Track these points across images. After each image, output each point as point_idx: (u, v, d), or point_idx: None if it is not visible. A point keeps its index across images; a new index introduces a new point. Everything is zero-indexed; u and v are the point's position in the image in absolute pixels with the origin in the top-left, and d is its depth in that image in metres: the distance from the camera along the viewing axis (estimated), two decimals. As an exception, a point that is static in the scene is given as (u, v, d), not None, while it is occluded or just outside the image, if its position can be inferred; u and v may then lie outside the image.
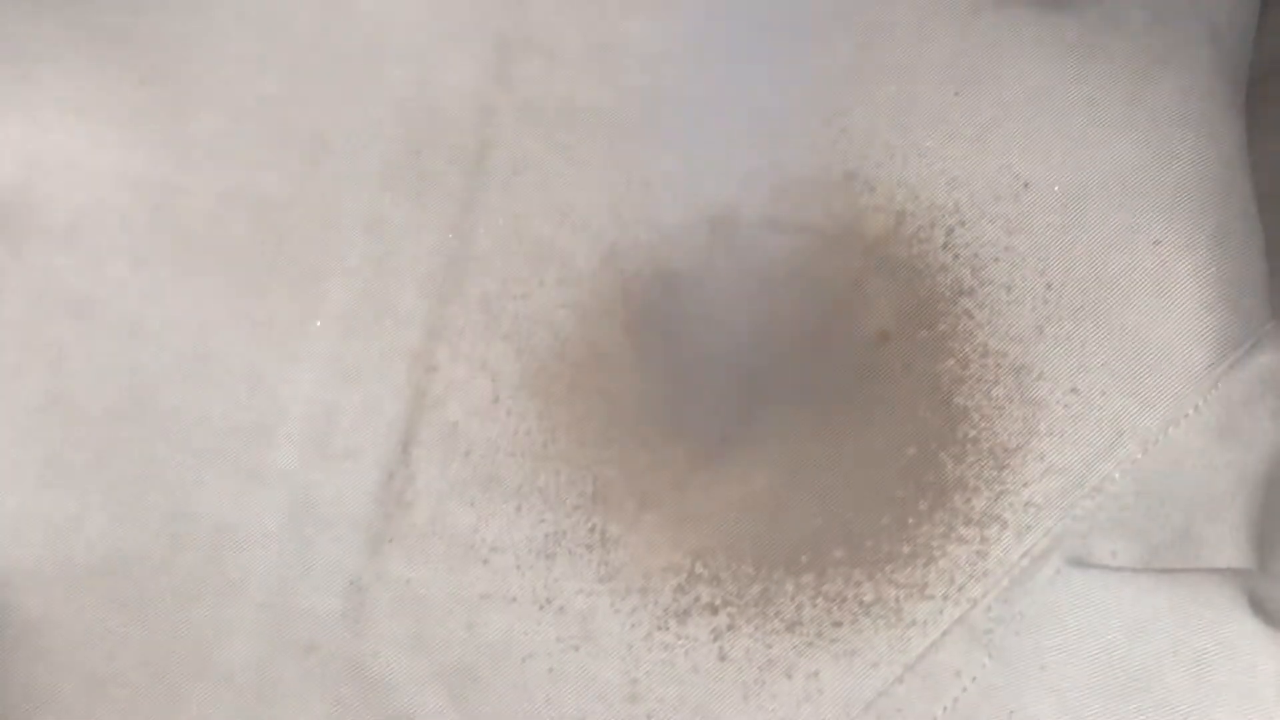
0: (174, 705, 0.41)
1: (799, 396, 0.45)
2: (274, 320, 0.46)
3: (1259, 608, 0.38)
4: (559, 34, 0.46)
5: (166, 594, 0.42)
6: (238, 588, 0.43)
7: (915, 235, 0.46)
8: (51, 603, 0.42)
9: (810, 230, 0.47)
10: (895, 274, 0.46)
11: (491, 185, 0.48)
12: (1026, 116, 0.47)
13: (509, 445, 0.45)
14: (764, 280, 0.46)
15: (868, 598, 0.41)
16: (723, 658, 0.41)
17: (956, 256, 0.46)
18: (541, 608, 0.42)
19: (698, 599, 0.42)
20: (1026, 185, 0.46)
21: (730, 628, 0.41)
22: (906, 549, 0.42)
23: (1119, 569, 0.40)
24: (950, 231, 0.46)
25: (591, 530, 0.43)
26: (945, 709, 0.39)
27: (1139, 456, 0.42)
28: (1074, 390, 0.43)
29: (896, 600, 0.41)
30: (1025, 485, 0.42)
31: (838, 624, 0.41)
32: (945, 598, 0.41)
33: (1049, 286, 0.45)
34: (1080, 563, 0.41)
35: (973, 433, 0.43)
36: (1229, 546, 0.41)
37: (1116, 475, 0.42)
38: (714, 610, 0.42)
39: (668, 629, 0.42)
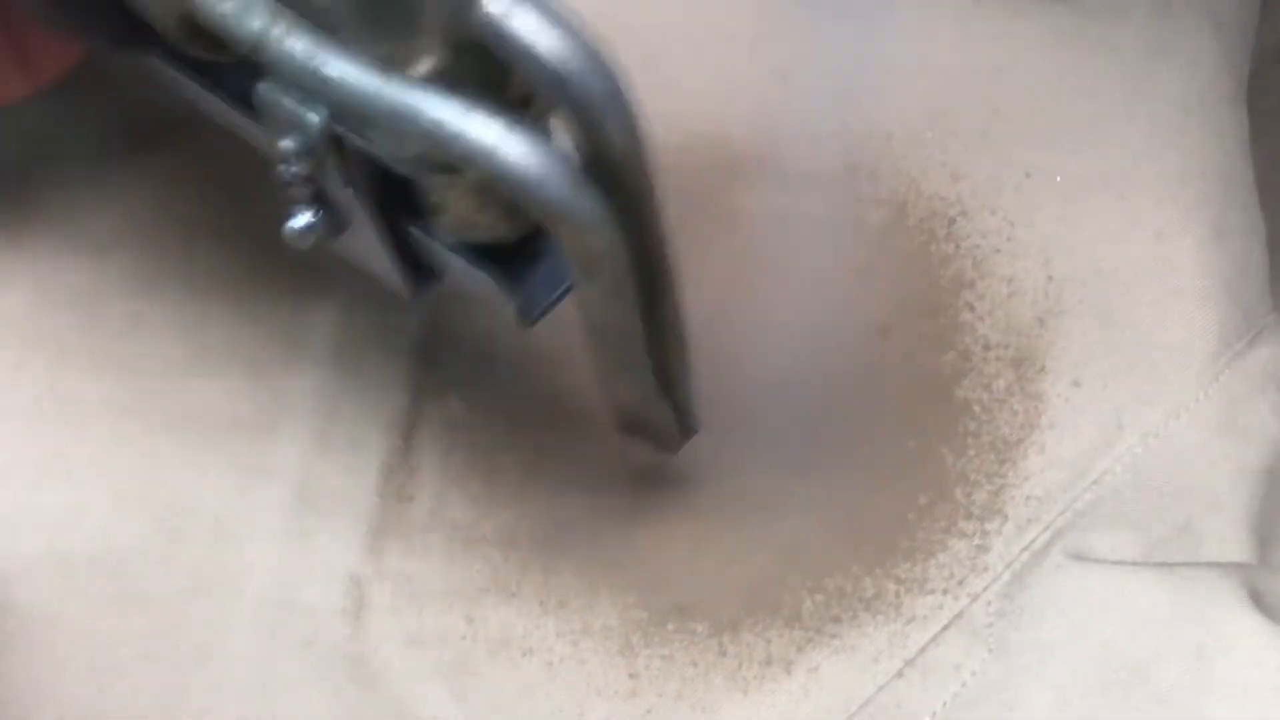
0: (174, 699, 0.41)
1: (798, 389, 0.45)
2: (275, 312, 0.46)
3: (1259, 601, 0.38)
4: None
5: (166, 588, 0.42)
6: (238, 581, 0.43)
7: (917, 227, 0.46)
8: (51, 597, 0.42)
9: (811, 222, 0.47)
10: (896, 266, 0.46)
11: None
12: (1028, 108, 0.47)
13: (510, 439, 0.45)
14: (764, 272, 0.46)
15: (867, 593, 0.41)
16: (722, 653, 0.41)
17: (958, 248, 0.46)
18: (542, 602, 0.42)
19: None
20: (1028, 176, 0.46)
21: (730, 623, 0.41)
22: (906, 543, 0.42)
23: (1119, 563, 0.40)
24: (952, 223, 0.46)
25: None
26: (945, 703, 0.39)
27: (1140, 450, 0.42)
28: (1075, 383, 0.43)
29: (896, 595, 0.41)
30: (1026, 479, 0.42)
31: (837, 619, 0.41)
32: (945, 592, 0.41)
33: (1050, 279, 0.45)
34: (1081, 556, 0.40)
35: (973, 426, 0.43)
36: (1229, 540, 0.41)
37: (1117, 468, 0.42)
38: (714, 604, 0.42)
39: (667, 624, 0.42)
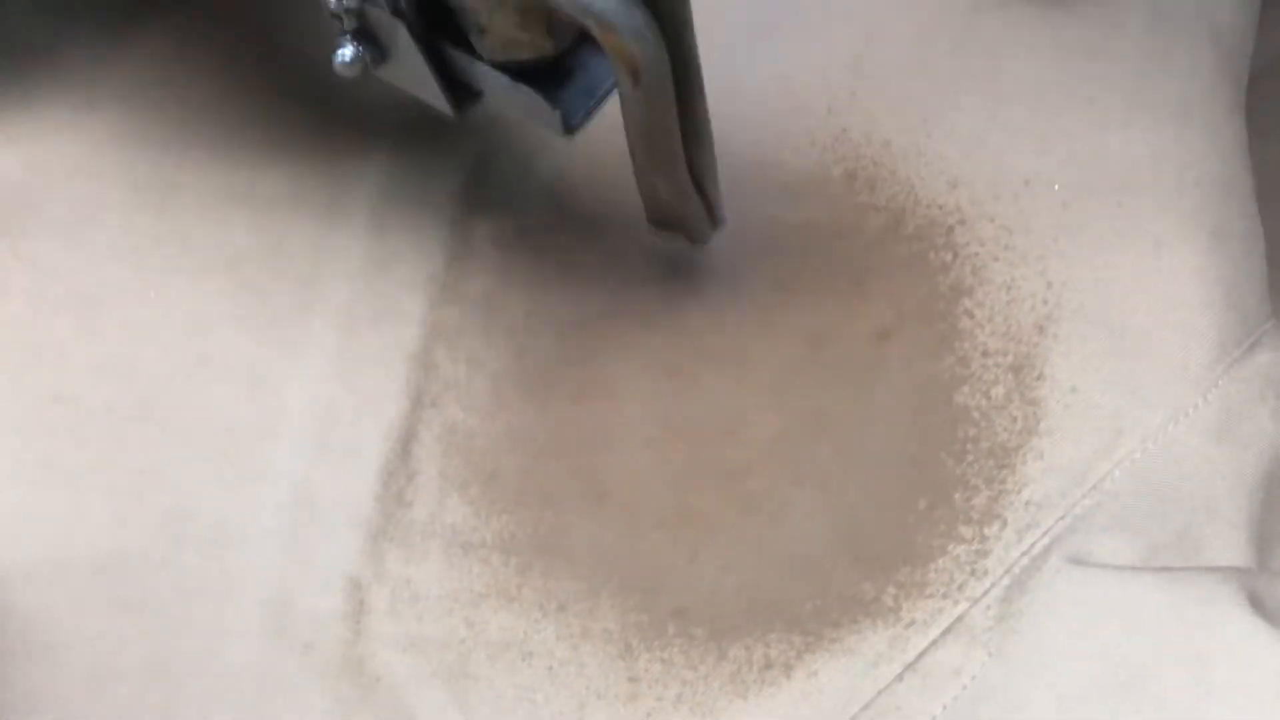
0: (174, 703, 0.41)
1: (798, 396, 0.45)
2: (275, 319, 0.46)
3: (1259, 606, 0.38)
4: None
5: (166, 592, 0.42)
6: (237, 586, 0.43)
7: (915, 234, 0.46)
8: (51, 601, 0.42)
9: (810, 229, 0.47)
10: (895, 273, 0.46)
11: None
12: (1026, 115, 0.47)
13: (509, 444, 0.45)
14: (763, 278, 0.46)
15: (867, 597, 0.41)
16: (722, 657, 0.41)
17: (956, 255, 0.46)
18: (542, 606, 0.42)
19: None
20: (1026, 184, 0.46)
21: (729, 627, 0.41)
22: (905, 548, 0.42)
23: (1118, 567, 0.40)
24: (950, 230, 0.46)
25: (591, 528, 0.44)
26: (944, 707, 0.39)
27: (1138, 455, 0.42)
28: (1074, 389, 0.43)
29: (895, 599, 0.41)
30: (1025, 484, 0.42)
31: (837, 623, 0.41)
32: (945, 596, 0.41)
33: (1049, 285, 0.45)
34: (1080, 561, 0.40)
35: (972, 431, 0.43)
36: (1228, 545, 0.41)
37: (1116, 474, 0.42)
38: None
39: (667, 628, 0.42)
